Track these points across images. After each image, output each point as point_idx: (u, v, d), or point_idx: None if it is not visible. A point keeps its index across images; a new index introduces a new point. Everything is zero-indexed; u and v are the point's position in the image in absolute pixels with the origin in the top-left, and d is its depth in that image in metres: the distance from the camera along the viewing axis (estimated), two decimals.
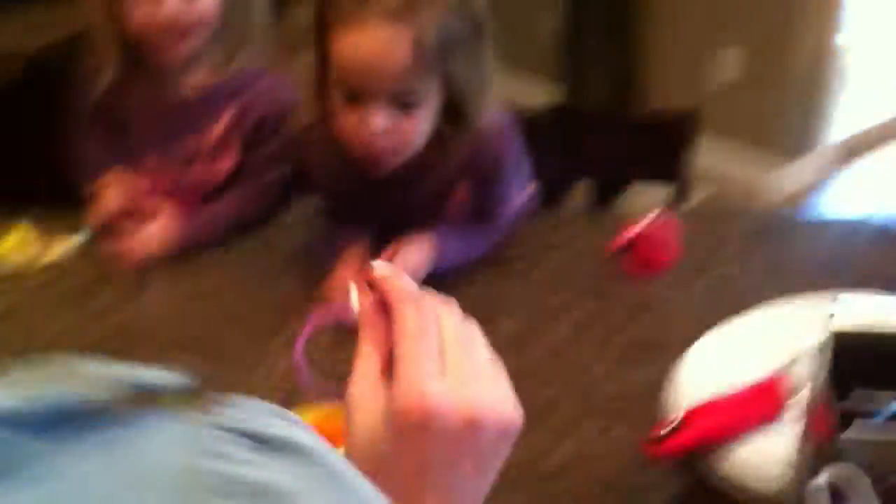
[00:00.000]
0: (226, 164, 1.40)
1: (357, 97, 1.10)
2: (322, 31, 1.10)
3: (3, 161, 1.82)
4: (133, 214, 1.33)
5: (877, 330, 0.78)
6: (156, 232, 1.32)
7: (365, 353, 0.51)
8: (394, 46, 1.06)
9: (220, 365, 1.09)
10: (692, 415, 0.91)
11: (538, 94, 3.61)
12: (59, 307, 1.24)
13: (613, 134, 1.69)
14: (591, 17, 3.30)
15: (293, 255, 1.32)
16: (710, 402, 0.92)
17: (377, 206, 1.24)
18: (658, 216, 1.30)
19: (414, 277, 1.12)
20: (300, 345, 0.63)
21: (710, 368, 0.97)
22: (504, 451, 0.51)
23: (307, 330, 0.62)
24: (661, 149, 1.65)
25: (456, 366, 0.50)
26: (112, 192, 1.35)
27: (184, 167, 1.40)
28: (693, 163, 1.64)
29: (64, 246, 1.34)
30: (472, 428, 0.49)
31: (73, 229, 1.36)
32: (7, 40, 2.08)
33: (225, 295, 1.25)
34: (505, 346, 0.54)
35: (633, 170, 1.67)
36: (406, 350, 0.50)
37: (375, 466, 0.47)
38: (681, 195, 1.63)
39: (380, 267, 0.53)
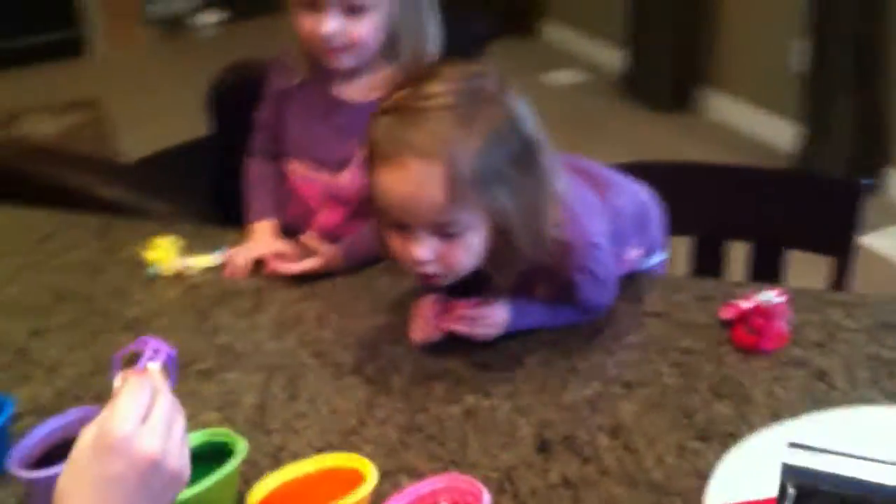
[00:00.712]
0: None
1: (400, 225, 1.13)
2: (368, 165, 1.13)
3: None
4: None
5: None
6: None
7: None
8: (427, 184, 1.07)
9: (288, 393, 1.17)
10: None
11: (784, 133, 3.51)
12: (180, 318, 1.36)
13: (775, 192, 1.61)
14: (837, 57, 3.15)
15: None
16: None
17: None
18: (779, 293, 1.25)
19: (487, 335, 1.15)
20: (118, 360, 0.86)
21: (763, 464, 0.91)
22: (171, 497, 0.77)
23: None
24: (823, 216, 1.55)
25: (154, 424, 0.76)
26: (259, 242, 1.48)
27: (336, 173, 1.50)
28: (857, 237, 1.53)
29: (202, 262, 1.47)
30: (153, 466, 0.74)
31: (212, 248, 1.50)
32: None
33: (316, 325, 1.32)
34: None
35: (789, 236, 1.58)
36: (120, 400, 0.76)
37: (72, 475, 0.74)
38: (842, 272, 1.53)
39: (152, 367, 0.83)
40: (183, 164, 2.64)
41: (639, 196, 1.38)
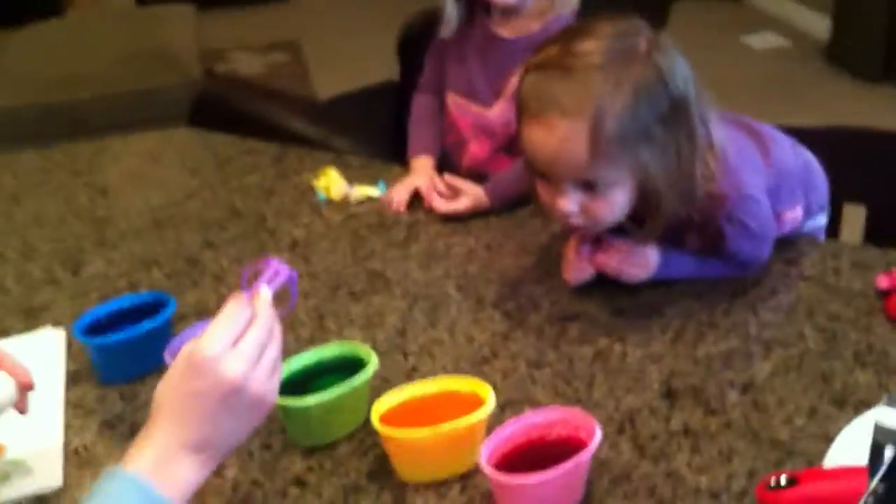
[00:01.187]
0: None
1: (546, 177, 1.14)
2: (518, 117, 1.15)
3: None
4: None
5: None
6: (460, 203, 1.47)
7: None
8: (571, 141, 1.07)
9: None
10: (806, 476, 0.86)
11: None
12: (338, 243, 1.43)
13: None
14: None
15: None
16: (831, 470, 0.85)
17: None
18: None
19: (635, 275, 1.16)
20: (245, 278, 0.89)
21: None
22: (255, 420, 0.81)
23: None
24: None
25: (243, 349, 0.79)
26: (417, 176, 1.54)
27: (488, 106, 1.57)
28: None
29: (366, 192, 1.53)
30: (234, 389, 0.78)
31: (377, 180, 1.56)
32: None
33: (464, 259, 1.36)
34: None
35: None
36: (216, 321, 0.81)
37: (165, 386, 0.80)
38: None
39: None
40: (368, 104, 2.73)
41: (802, 156, 1.34)
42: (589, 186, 1.12)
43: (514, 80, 1.49)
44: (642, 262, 1.23)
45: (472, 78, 1.58)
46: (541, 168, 1.14)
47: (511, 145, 1.55)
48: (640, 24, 1.13)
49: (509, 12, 1.53)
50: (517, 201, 1.46)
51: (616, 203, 1.14)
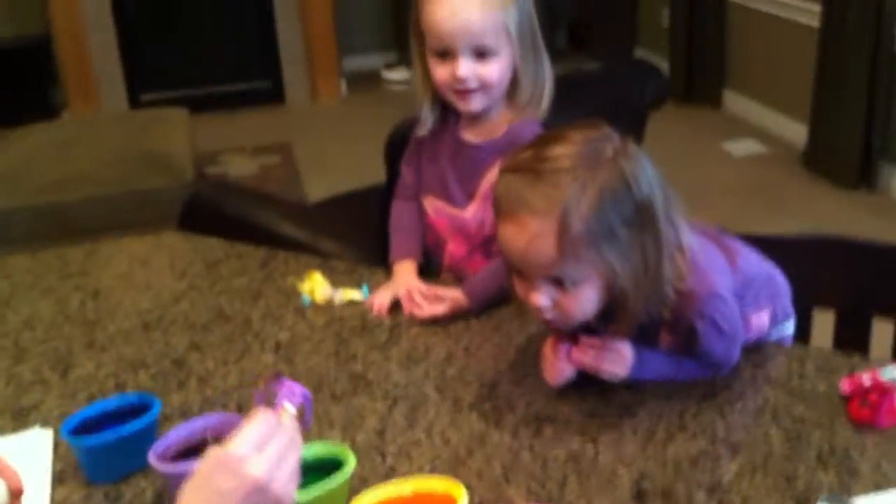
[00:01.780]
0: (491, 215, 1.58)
1: (520, 273, 1.21)
2: (495, 217, 1.22)
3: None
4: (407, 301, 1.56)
5: None
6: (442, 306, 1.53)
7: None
8: (540, 239, 1.14)
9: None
10: None
11: None
12: (321, 345, 1.47)
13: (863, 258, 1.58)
14: None
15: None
16: None
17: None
18: None
19: (614, 372, 1.21)
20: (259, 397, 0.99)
21: None
22: None
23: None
24: None
25: (268, 453, 0.88)
26: (398, 282, 1.60)
27: (462, 207, 1.65)
28: None
29: (348, 295, 1.59)
30: (258, 489, 0.86)
31: (360, 284, 1.62)
32: None
33: (443, 362, 1.40)
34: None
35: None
36: (244, 427, 0.90)
37: (192, 486, 0.86)
38: None
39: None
40: (356, 207, 2.80)
41: (766, 266, 1.40)
42: (559, 283, 1.18)
43: (485, 182, 1.59)
44: (617, 357, 1.27)
45: (446, 181, 1.66)
46: (514, 264, 1.21)
47: (487, 245, 1.62)
48: (609, 132, 1.21)
49: (476, 119, 1.62)
50: (496, 301, 1.52)
51: (585, 300, 1.19)
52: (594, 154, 1.17)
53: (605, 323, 1.26)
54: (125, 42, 5.58)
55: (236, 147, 5.09)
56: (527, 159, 1.19)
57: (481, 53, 1.53)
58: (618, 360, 1.27)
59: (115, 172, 3.39)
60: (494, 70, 1.54)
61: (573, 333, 1.29)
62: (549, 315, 1.21)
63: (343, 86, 6.01)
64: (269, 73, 5.83)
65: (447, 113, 1.66)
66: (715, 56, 5.13)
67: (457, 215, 1.66)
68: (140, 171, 3.40)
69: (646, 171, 1.19)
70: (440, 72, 1.56)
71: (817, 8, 4.15)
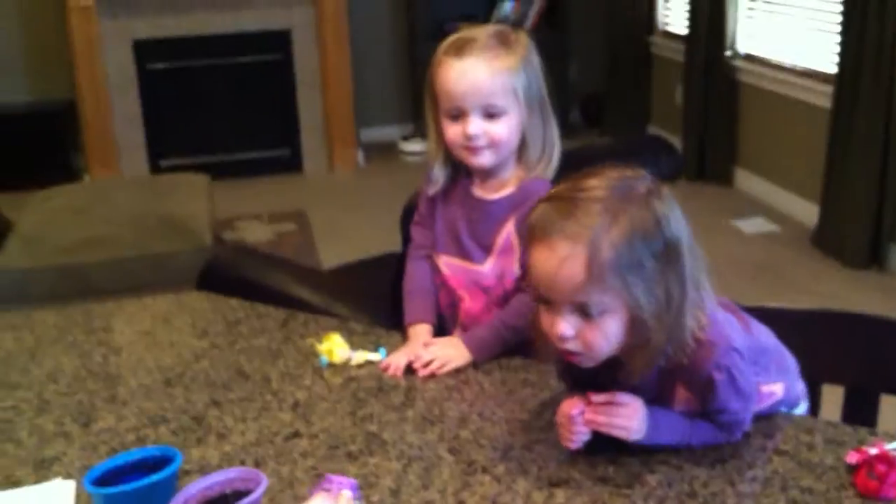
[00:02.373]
0: (509, 268, 1.66)
1: (546, 301, 1.25)
2: (526, 245, 1.28)
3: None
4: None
5: None
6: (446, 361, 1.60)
7: None
8: (569, 262, 1.19)
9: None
10: None
11: None
12: (338, 405, 1.50)
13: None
14: None
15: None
16: None
17: (600, 388, 1.34)
18: None
19: (625, 427, 1.23)
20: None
21: None
22: None
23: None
24: None
25: None
26: (413, 345, 1.65)
27: (479, 262, 1.70)
28: None
29: (365, 357, 1.62)
30: None
31: (376, 346, 1.65)
32: None
33: (457, 424, 1.43)
34: None
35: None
36: None
37: None
38: None
39: None
40: (369, 274, 2.85)
41: (775, 340, 1.43)
42: (584, 312, 1.22)
43: (500, 237, 1.66)
44: (629, 412, 1.29)
45: (460, 237, 1.72)
46: (542, 290, 1.24)
47: (505, 300, 1.68)
48: (644, 174, 1.26)
49: (488, 176, 1.69)
50: (497, 353, 1.61)
51: (609, 332, 1.23)
52: (628, 189, 1.22)
53: (614, 374, 1.29)
54: (147, 108, 5.71)
55: (253, 214, 5.17)
56: (563, 190, 1.25)
57: (490, 114, 1.62)
58: (630, 414, 1.29)
59: (134, 235, 3.45)
60: (503, 129, 1.63)
61: (584, 391, 1.32)
62: (571, 345, 1.25)
63: (360, 156, 6.11)
64: (287, 142, 5.95)
65: (459, 173, 1.73)
66: (727, 135, 5.21)
67: (475, 270, 1.71)
68: (159, 234, 3.46)
69: (675, 214, 1.24)
70: (452, 131, 1.65)
71: (829, 89, 4.23)
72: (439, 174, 1.73)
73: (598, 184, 1.23)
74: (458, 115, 1.63)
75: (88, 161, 5.70)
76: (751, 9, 5.14)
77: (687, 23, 5.42)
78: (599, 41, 6.55)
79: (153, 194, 3.95)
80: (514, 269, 1.67)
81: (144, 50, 5.62)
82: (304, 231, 4.92)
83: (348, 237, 4.69)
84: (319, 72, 5.83)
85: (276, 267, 2.69)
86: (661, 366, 1.27)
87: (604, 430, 1.30)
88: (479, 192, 1.72)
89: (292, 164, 5.97)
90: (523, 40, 1.67)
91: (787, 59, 4.78)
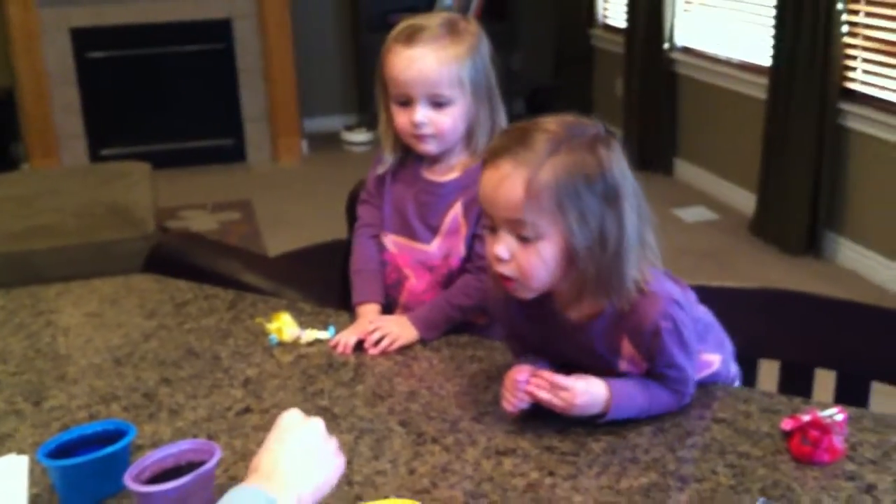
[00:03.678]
0: (456, 248, 1.71)
1: (491, 228, 1.31)
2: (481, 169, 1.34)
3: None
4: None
5: None
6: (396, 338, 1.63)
7: None
8: (510, 180, 1.26)
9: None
10: None
11: None
12: (289, 381, 1.52)
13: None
14: None
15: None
16: None
17: (549, 345, 1.40)
18: (840, 410, 1.32)
19: (563, 408, 1.27)
20: None
21: None
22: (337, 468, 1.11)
23: None
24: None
25: None
26: (359, 323, 1.68)
27: (426, 242, 1.74)
28: None
29: (315, 335, 1.64)
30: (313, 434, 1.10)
31: (325, 325, 1.67)
32: None
33: (407, 398, 1.46)
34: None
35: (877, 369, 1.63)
36: None
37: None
38: None
39: None
40: (316, 260, 2.86)
41: (713, 318, 1.49)
42: (521, 238, 1.28)
43: (447, 218, 1.70)
44: (571, 395, 1.32)
45: (408, 218, 1.75)
46: (485, 209, 1.31)
47: (450, 280, 1.72)
48: (599, 126, 1.32)
49: (436, 160, 1.74)
50: (443, 330, 1.66)
51: (544, 257, 1.28)
52: (579, 130, 1.30)
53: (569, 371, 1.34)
54: (87, 97, 5.64)
55: (197, 203, 5.14)
56: (520, 123, 1.32)
57: (437, 103, 1.65)
58: (568, 397, 1.33)
59: (77, 223, 3.42)
60: (448, 119, 1.66)
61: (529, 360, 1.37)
62: (507, 269, 1.30)
63: (304, 146, 6.10)
64: (231, 132, 5.91)
65: (408, 156, 1.77)
66: (666, 126, 5.31)
67: (421, 250, 1.74)
68: (103, 222, 3.43)
69: (621, 165, 1.30)
70: (401, 118, 1.68)
71: (764, 81, 4.33)
72: (389, 155, 1.77)
73: (553, 121, 1.31)
74: (406, 101, 1.67)
75: (28, 150, 5.62)
76: (688, 2, 5.23)
77: (626, 16, 5.51)
78: (545, 32, 6.61)
79: (95, 182, 3.91)
80: (461, 249, 1.70)
81: (83, 38, 5.56)
82: (249, 220, 4.91)
83: (294, 226, 4.69)
84: (262, 61, 5.80)
85: (224, 253, 2.70)
86: (608, 314, 1.33)
87: (544, 404, 1.34)
88: (427, 174, 1.75)
89: (236, 153, 5.94)
90: (473, 29, 1.70)
91: (724, 52, 4.88)
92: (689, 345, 1.35)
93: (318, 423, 1.12)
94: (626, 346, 1.36)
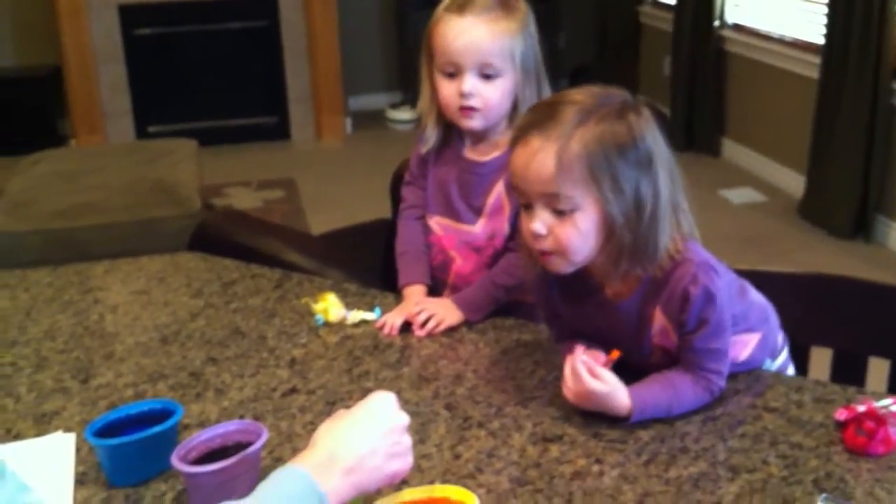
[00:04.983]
0: (500, 228, 1.68)
1: (525, 205, 1.30)
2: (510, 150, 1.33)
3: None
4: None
5: None
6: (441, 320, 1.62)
7: None
8: (541, 155, 1.25)
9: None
10: None
11: None
12: (334, 362, 1.51)
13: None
14: None
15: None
16: None
17: (585, 324, 1.39)
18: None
19: (598, 405, 1.26)
20: None
21: None
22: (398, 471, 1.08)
23: None
24: None
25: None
26: (405, 305, 1.67)
27: (471, 223, 1.72)
28: None
29: (360, 316, 1.63)
30: (401, 428, 1.09)
31: (371, 306, 1.67)
32: None
33: (452, 381, 1.45)
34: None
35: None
36: None
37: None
38: None
39: None
40: (360, 240, 2.86)
41: (762, 296, 1.46)
42: (556, 209, 1.27)
43: (491, 198, 1.68)
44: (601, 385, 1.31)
45: (452, 200, 1.73)
46: (518, 186, 1.30)
47: (496, 260, 1.70)
48: (626, 93, 1.31)
49: (479, 139, 1.71)
50: (489, 311, 1.65)
51: (580, 231, 1.27)
52: (607, 100, 1.29)
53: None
54: (134, 74, 5.67)
55: (241, 181, 5.16)
56: (548, 99, 1.33)
57: (486, 74, 1.63)
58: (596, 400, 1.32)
59: (123, 200, 3.43)
60: (496, 92, 1.64)
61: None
62: (545, 244, 1.29)
63: (348, 124, 6.10)
64: (274, 110, 5.93)
65: (451, 135, 1.74)
66: (715, 105, 5.23)
67: (466, 231, 1.73)
68: (148, 199, 3.44)
69: (653, 132, 1.29)
70: (447, 89, 1.65)
71: (817, 59, 4.25)
72: (431, 133, 1.74)
73: (579, 92, 1.30)
74: (454, 72, 1.64)
75: (74, 127, 5.67)
76: None
77: None
78: (589, 11, 6.54)
79: (141, 159, 3.92)
80: (505, 228, 1.69)
81: (130, 15, 5.58)
82: (292, 198, 4.92)
83: (337, 205, 4.69)
84: (307, 39, 5.80)
85: (268, 231, 2.70)
86: (642, 288, 1.32)
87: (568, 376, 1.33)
88: (470, 154, 1.73)
89: (280, 131, 5.95)
90: (523, 7, 1.68)
91: (775, 30, 4.80)
92: (721, 312, 1.32)
93: (404, 421, 1.10)
94: (659, 317, 1.35)
